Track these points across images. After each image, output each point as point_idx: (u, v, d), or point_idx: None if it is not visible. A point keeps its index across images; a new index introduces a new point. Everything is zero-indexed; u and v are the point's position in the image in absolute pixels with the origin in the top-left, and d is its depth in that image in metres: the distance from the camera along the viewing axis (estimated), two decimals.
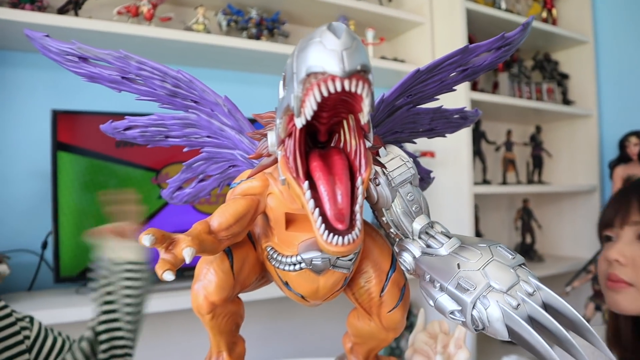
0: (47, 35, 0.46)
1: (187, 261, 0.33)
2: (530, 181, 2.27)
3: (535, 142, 2.27)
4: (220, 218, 0.39)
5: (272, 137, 0.35)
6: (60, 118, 1.39)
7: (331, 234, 0.29)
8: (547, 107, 2.15)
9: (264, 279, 0.47)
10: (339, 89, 0.26)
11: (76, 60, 0.45)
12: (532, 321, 0.34)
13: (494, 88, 2.15)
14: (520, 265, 0.37)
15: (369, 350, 0.51)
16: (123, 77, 0.46)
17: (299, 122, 0.29)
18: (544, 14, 2.26)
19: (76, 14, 1.46)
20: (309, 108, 0.27)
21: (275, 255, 0.42)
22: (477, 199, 1.94)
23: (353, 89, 0.26)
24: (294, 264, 0.41)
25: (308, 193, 0.31)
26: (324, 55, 0.26)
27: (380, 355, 0.54)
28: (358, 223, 0.30)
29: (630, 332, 0.81)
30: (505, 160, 2.19)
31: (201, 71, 1.77)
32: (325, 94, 0.26)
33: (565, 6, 2.41)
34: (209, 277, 0.41)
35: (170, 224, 1.54)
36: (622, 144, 2.07)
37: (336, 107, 0.30)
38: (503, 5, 2.07)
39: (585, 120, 2.34)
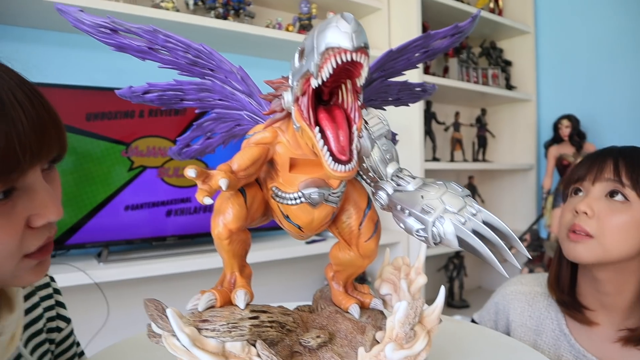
0: (82, 10, 0.54)
1: (224, 189, 0.44)
2: (475, 159, 2.47)
3: (481, 124, 2.47)
4: (239, 161, 0.50)
5: (288, 96, 0.46)
6: None
7: (336, 163, 0.41)
8: (492, 91, 2.34)
9: (265, 217, 0.58)
10: (349, 59, 0.37)
11: (108, 32, 0.54)
12: (476, 234, 0.47)
13: (445, 72, 2.32)
14: (467, 195, 0.50)
15: (347, 276, 0.63)
16: (149, 48, 0.55)
17: (315, 83, 0.40)
18: (491, 5, 2.44)
19: None
20: (326, 72, 0.39)
21: (279, 193, 0.53)
22: (428, 174, 2.11)
23: (357, 59, 0.38)
24: (295, 199, 0.52)
25: (319, 135, 0.42)
26: (339, 35, 0.37)
27: (355, 283, 0.67)
28: (355, 157, 0.42)
29: (568, 278, 0.93)
30: (453, 140, 2.37)
31: None
32: (340, 62, 0.38)
33: None
34: (228, 209, 0.52)
35: (140, 196, 1.61)
36: (556, 126, 2.29)
37: (339, 74, 0.42)
38: None
39: (525, 104, 2.56)
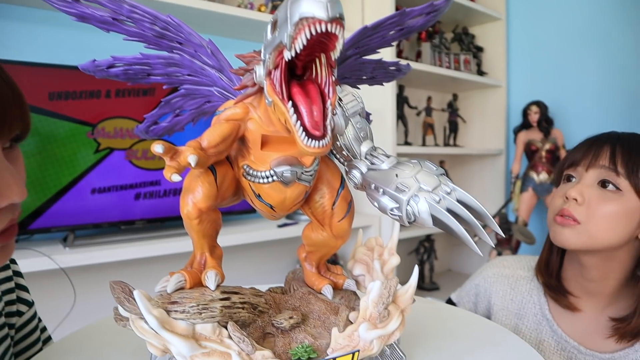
0: None
1: (193, 165, 0.43)
2: (446, 144, 2.49)
3: (452, 109, 2.48)
4: (209, 137, 0.48)
5: (260, 70, 0.44)
6: None
7: (310, 139, 0.40)
8: (463, 77, 2.35)
9: (236, 196, 0.56)
10: (323, 30, 0.36)
11: (69, 0, 0.51)
12: (450, 212, 0.46)
13: (417, 57, 2.32)
14: (441, 174, 0.49)
15: (320, 257, 0.62)
16: (114, 19, 0.52)
17: (288, 55, 0.39)
18: None
19: None
20: (300, 43, 0.37)
21: (250, 171, 0.52)
22: None
23: (332, 30, 0.36)
24: (267, 177, 0.51)
25: (292, 110, 0.41)
26: (314, 4, 0.35)
27: (328, 264, 0.66)
28: (329, 132, 0.41)
29: (557, 263, 0.92)
30: (425, 124, 2.39)
31: None
32: (314, 33, 0.36)
33: None
34: (198, 188, 0.50)
35: (107, 179, 1.56)
36: (525, 112, 2.33)
37: (313, 47, 0.40)
38: None
39: (496, 90, 2.58)
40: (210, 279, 0.51)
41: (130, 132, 1.59)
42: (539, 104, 2.29)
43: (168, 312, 0.48)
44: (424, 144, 2.40)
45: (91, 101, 1.51)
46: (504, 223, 2.27)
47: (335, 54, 0.40)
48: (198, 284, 0.52)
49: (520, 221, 2.27)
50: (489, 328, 0.73)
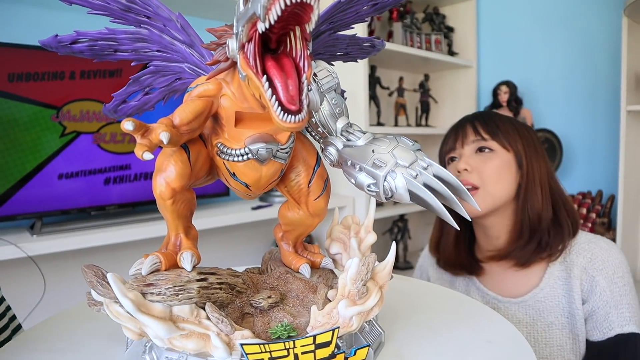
0: None
1: (165, 143, 0.41)
2: (418, 124, 2.50)
3: (424, 89, 2.49)
4: (181, 115, 0.46)
5: (232, 43, 0.43)
6: None
7: (286, 114, 0.39)
8: (435, 57, 2.36)
9: (210, 176, 0.55)
10: None
11: None
12: (427, 187, 0.47)
13: (389, 36, 2.31)
14: (417, 149, 0.49)
15: (297, 236, 0.62)
16: None
17: (262, 27, 0.38)
18: None
19: None
20: (274, 14, 0.36)
21: (225, 150, 0.51)
22: None
23: (308, 0, 0.35)
24: (242, 155, 0.50)
25: (267, 84, 0.40)
26: None
27: (305, 243, 0.66)
28: (305, 107, 0.40)
29: (451, 240, 1.07)
30: (397, 105, 2.39)
31: None
32: (289, 3, 0.35)
33: None
34: (170, 167, 0.48)
35: (74, 163, 1.52)
36: (495, 92, 2.35)
37: (287, 19, 0.39)
38: None
39: (466, 70, 2.60)
40: (186, 260, 0.50)
41: (98, 115, 1.54)
42: (508, 84, 2.32)
43: (144, 294, 0.47)
44: (396, 125, 2.40)
45: (55, 83, 1.46)
46: None
47: (310, 26, 0.39)
48: (173, 265, 0.51)
49: None
50: (464, 303, 0.74)
